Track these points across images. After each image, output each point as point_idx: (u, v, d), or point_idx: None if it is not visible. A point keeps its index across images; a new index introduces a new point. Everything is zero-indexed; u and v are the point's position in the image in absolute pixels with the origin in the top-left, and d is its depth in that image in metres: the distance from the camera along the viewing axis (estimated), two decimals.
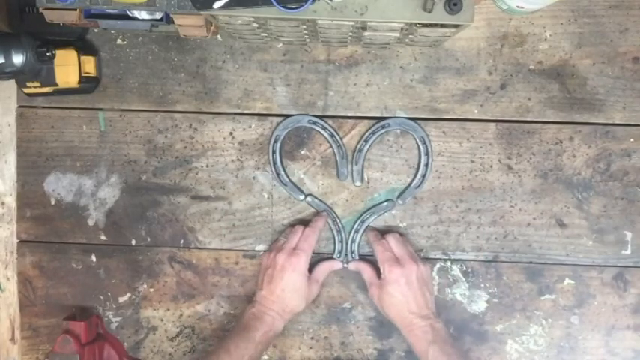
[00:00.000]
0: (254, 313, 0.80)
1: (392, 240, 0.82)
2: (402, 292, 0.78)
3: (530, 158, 0.85)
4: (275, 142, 0.86)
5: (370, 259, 0.85)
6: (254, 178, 0.87)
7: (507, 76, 0.84)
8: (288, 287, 0.80)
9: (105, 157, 0.87)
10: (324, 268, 0.85)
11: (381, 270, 0.81)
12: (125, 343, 0.89)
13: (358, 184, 0.86)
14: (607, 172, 0.85)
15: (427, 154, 0.85)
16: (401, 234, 0.85)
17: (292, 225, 0.86)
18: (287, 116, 0.86)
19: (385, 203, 0.86)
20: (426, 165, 0.85)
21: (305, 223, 0.85)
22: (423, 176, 0.85)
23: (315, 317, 0.88)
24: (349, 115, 0.86)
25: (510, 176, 0.85)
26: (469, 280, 0.86)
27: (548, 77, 0.84)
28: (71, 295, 0.89)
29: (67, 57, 0.81)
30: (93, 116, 0.87)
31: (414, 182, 0.85)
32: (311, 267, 0.84)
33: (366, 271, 0.84)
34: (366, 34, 0.71)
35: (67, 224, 0.88)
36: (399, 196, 0.86)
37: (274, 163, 0.86)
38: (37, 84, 0.82)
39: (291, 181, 0.86)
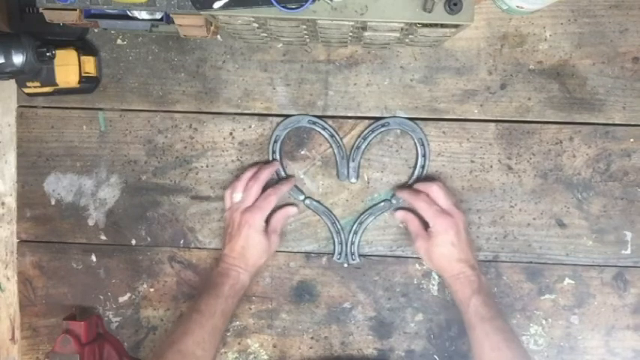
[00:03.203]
0: (219, 271, 0.81)
1: (437, 190, 0.80)
2: (452, 242, 0.78)
3: (530, 158, 0.85)
4: (275, 142, 0.86)
5: (412, 213, 0.85)
6: None
7: (507, 76, 0.84)
8: (247, 244, 0.80)
9: (105, 157, 0.87)
10: (279, 218, 0.84)
11: (430, 223, 0.79)
12: (125, 343, 0.89)
13: (353, 180, 0.86)
14: (607, 172, 0.85)
15: (424, 155, 0.85)
16: (440, 181, 0.83)
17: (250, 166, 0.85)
18: (287, 116, 0.86)
19: (382, 203, 0.86)
20: (423, 166, 0.85)
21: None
22: (419, 177, 0.85)
23: (315, 317, 0.88)
24: (349, 115, 0.86)
25: (510, 176, 0.85)
26: None
27: (548, 77, 0.84)
28: (71, 295, 0.89)
29: (67, 57, 0.81)
30: (93, 116, 0.87)
31: (409, 183, 0.85)
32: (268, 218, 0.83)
33: (413, 222, 0.83)
34: (366, 34, 0.71)
35: (67, 224, 0.88)
36: (392, 196, 0.86)
37: None
38: (37, 84, 0.82)
39: None
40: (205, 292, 0.79)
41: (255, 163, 0.86)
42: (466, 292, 0.76)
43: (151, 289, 0.88)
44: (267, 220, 0.83)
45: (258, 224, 0.81)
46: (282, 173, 0.86)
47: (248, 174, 0.83)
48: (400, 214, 0.85)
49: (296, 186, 0.86)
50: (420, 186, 0.82)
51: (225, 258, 0.81)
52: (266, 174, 0.83)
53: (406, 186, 0.85)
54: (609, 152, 0.85)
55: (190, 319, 0.76)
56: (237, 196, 0.82)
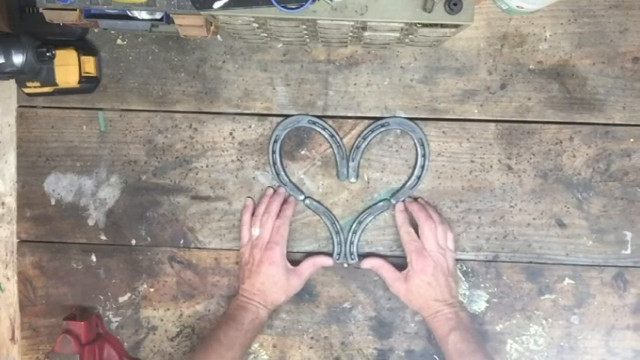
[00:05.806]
0: (239, 304, 0.82)
1: (425, 228, 0.81)
2: (429, 282, 0.79)
3: (530, 158, 0.85)
4: (275, 142, 0.86)
5: (380, 254, 0.85)
6: (254, 178, 0.87)
7: (507, 76, 0.84)
8: (267, 280, 0.81)
9: (105, 157, 0.87)
10: (309, 265, 0.85)
11: (408, 259, 0.81)
12: (125, 343, 0.89)
13: (353, 180, 0.86)
14: (607, 172, 0.85)
15: (424, 155, 0.85)
16: (438, 217, 0.83)
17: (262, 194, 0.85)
18: (287, 116, 0.86)
19: (381, 203, 0.86)
20: (422, 166, 0.85)
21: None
22: (419, 177, 0.85)
23: (315, 317, 0.88)
24: (349, 115, 0.86)
25: (510, 176, 0.85)
26: (469, 280, 0.86)
27: (548, 77, 0.84)
28: (71, 295, 0.89)
29: (67, 57, 0.81)
30: (93, 116, 0.87)
31: (409, 183, 0.85)
32: (300, 261, 0.85)
33: (384, 268, 0.84)
34: (366, 34, 0.71)
35: (67, 224, 0.88)
36: (392, 196, 0.86)
37: (274, 163, 0.86)
38: (37, 84, 0.82)
39: (291, 181, 0.86)
40: (225, 323, 0.80)
41: (266, 190, 0.87)
42: (444, 330, 0.78)
43: (151, 289, 0.88)
44: (298, 262, 0.85)
45: (279, 261, 0.82)
46: (284, 178, 0.86)
47: (262, 208, 0.84)
48: (367, 263, 0.85)
49: (296, 186, 0.86)
50: (419, 213, 0.82)
51: (244, 292, 0.82)
52: (276, 205, 0.84)
53: (401, 212, 0.85)
54: (609, 152, 0.85)
55: (210, 349, 0.77)
56: (256, 230, 0.83)
